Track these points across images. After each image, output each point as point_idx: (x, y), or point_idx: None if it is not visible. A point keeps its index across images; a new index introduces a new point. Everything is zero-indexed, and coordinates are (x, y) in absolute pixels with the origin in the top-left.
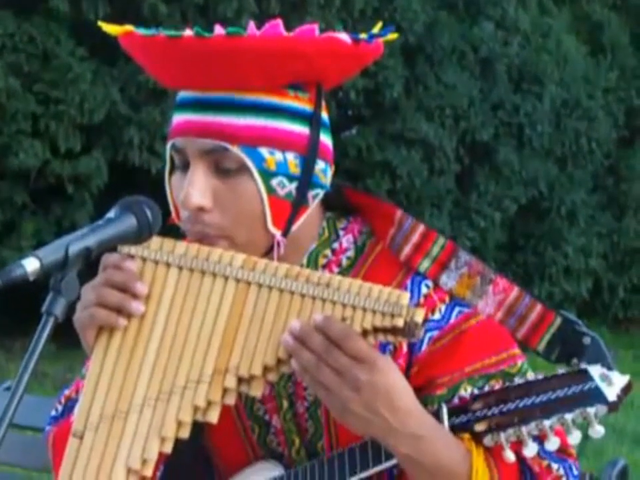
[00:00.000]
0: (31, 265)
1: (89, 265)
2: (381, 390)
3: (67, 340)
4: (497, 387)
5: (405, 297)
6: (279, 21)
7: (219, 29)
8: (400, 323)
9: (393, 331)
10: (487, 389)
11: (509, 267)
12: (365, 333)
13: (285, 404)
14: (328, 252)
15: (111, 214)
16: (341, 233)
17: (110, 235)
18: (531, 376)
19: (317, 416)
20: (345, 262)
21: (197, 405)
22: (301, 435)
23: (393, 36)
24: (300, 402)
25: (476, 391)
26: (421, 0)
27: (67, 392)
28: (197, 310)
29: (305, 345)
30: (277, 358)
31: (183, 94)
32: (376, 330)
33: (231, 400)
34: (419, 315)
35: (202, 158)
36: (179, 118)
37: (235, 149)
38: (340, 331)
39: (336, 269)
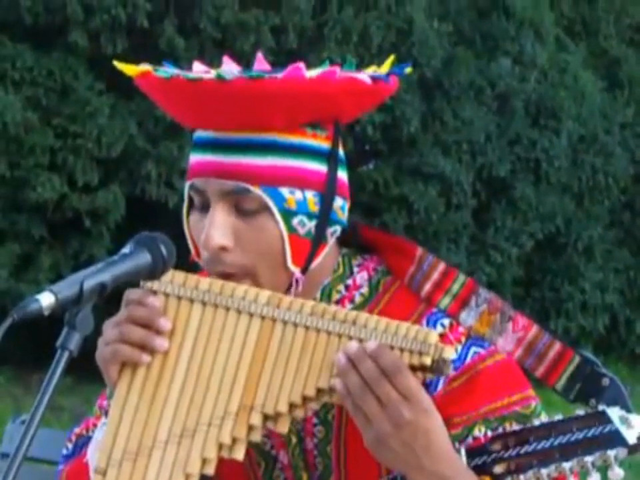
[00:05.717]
0: (46, 299)
1: (104, 300)
2: (421, 431)
3: (84, 373)
4: (511, 428)
5: (433, 335)
6: (302, 64)
7: (226, 60)
8: (428, 361)
9: (422, 368)
10: (500, 430)
11: (526, 302)
12: None
13: (294, 439)
14: (341, 287)
15: (126, 250)
16: (356, 269)
17: (124, 271)
18: (544, 418)
19: (326, 452)
20: (358, 298)
21: (222, 442)
22: (309, 471)
23: (408, 70)
24: (309, 438)
25: (489, 433)
26: (438, 35)
27: (77, 430)
28: (221, 346)
29: (356, 368)
30: (304, 396)
31: (200, 133)
32: None
33: (256, 437)
34: (448, 352)
35: (223, 199)
36: (197, 158)
37: (257, 190)
38: (392, 363)
39: (349, 305)
